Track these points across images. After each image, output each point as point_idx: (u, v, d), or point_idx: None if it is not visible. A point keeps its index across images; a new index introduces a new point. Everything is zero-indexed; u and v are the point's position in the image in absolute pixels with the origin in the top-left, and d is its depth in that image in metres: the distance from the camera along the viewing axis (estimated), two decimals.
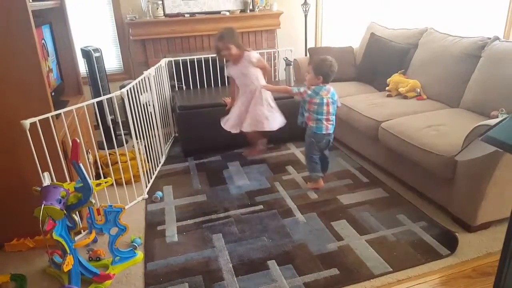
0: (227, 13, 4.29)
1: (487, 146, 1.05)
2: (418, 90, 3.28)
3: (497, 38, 2.86)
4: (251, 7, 4.42)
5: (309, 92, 2.74)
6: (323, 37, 5.07)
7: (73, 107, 2.38)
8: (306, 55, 4.57)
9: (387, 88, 3.47)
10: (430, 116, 2.84)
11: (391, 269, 2.05)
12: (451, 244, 2.21)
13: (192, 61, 4.07)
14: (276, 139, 3.70)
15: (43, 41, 2.59)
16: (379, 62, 3.75)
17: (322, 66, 2.72)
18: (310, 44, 4.86)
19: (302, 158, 3.43)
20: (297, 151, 3.57)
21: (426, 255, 2.14)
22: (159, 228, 2.52)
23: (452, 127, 2.55)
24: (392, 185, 2.89)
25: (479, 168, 2.16)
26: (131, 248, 2.25)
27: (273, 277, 2.04)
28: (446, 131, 2.52)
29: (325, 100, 2.73)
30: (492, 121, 1.99)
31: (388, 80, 3.47)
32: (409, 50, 3.56)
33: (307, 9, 4.53)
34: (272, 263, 2.14)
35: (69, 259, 1.89)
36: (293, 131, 3.62)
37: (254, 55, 3.14)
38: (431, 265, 2.07)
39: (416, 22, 3.78)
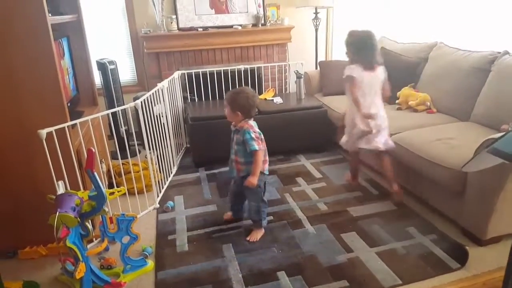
0: (239, 27, 4.36)
1: (493, 158, 1.06)
2: (428, 103, 3.29)
3: (507, 53, 2.87)
4: (262, 21, 4.49)
5: (256, 129, 2.40)
6: (333, 51, 5.12)
7: (88, 118, 2.43)
8: (316, 68, 4.61)
9: (397, 101, 3.49)
10: (440, 129, 2.84)
11: (401, 282, 2.05)
12: (461, 257, 2.20)
13: (204, 74, 4.15)
14: (286, 150, 3.73)
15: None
16: (389, 76, 3.74)
17: (236, 100, 2.36)
18: (321, 58, 4.91)
19: (312, 169, 3.45)
20: (307, 163, 3.58)
21: (436, 268, 2.13)
22: (170, 237, 2.55)
23: (462, 140, 2.55)
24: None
25: (490, 182, 2.15)
26: (142, 257, 2.27)
27: None
28: (456, 144, 2.52)
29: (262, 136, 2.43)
30: (501, 134, 1.99)
31: (398, 93, 3.48)
32: (419, 64, 3.57)
33: (317, 23, 4.59)
34: (281, 274, 2.15)
35: (81, 267, 1.91)
36: (303, 143, 3.65)
37: None
38: (441, 278, 2.06)
39: (426, 36, 3.80)
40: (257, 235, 2.50)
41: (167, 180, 3.31)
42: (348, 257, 2.26)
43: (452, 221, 2.51)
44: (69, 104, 2.52)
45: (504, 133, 1.20)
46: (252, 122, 2.40)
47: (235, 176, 2.51)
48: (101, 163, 2.80)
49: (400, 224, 2.56)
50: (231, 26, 4.41)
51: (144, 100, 2.79)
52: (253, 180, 2.36)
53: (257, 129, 2.39)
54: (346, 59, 2.85)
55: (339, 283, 2.06)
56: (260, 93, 4.41)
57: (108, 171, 3.07)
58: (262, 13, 4.48)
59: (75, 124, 2.34)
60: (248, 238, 2.49)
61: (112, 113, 2.73)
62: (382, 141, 2.77)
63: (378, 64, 2.75)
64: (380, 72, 2.76)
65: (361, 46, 2.72)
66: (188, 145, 3.97)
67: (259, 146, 2.34)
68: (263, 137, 2.43)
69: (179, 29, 4.28)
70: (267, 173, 2.49)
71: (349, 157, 3.22)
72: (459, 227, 2.45)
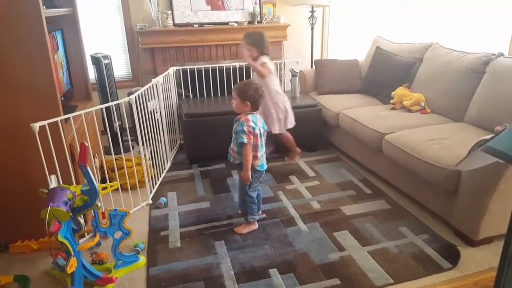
0: (235, 24, 4.35)
1: (487, 156, 1.06)
2: (422, 103, 3.31)
3: (501, 54, 2.89)
4: (258, 19, 4.48)
5: (251, 124, 2.38)
6: (329, 50, 5.13)
7: (82, 112, 2.42)
8: (312, 67, 4.62)
9: (391, 101, 3.50)
10: (433, 129, 2.86)
11: (392, 281, 2.06)
12: (453, 257, 2.22)
13: (199, 70, 4.13)
14: (280, 149, 3.73)
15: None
16: (384, 75, 3.78)
17: (246, 91, 2.41)
18: (316, 56, 4.91)
19: (306, 168, 3.45)
20: (301, 161, 3.59)
21: (428, 268, 2.14)
22: (162, 233, 2.54)
23: (456, 141, 2.57)
24: (395, 197, 2.90)
25: (482, 182, 2.17)
26: (134, 253, 2.27)
27: (274, 285, 2.05)
28: (450, 144, 2.53)
29: (261, 131, 2.46)
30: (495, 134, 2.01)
31: (393, 93, 3.50)
32: (414, 64, 3.59)
33: (313, 22, 4.59)
34: (273, 271, 2.15)
35: (73, 261, 1.90)
36: (297, 141, 3.64)
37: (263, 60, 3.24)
38: (432, 278, 2.08)
39: (422, 36, 3.82)
40: (243, 229, 2.55)
41: (160, 176, 3.30)
42: (340, 256, 2.26)
43: (444, 221, 2.53)
44: (62, 98, 2.50)
45: (498, 132, 1.21)
46: (250, 116, 2.42)
47: (232, 161, 2.54)
48: (94, 158, 2.78)
49: (393, 223, 2.57)
50: (227, 23, 4.39)
51: (138, 95, 2.78)
52: (245, 175, 2.43)
53: (252, 124, 2.39)
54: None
55: (331, 281, 2.06)
56: None
57: (101, 166, 3.05)
58: (258, 10, 4.47)
59: (68, 118, 2.32)
60: (235, 229, 2.55)
61: (105, 108, 2.72)
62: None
63: None
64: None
65: (265, 42, 3.28)
66: (182, 142, 3.96)
67: (249, 140, 2.37)
68: (261, 132, 2.45)
69: (174, 25, 4.26)
70: (261, 169, 2.49)
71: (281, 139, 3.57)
72: (451, 227, 2.46)
